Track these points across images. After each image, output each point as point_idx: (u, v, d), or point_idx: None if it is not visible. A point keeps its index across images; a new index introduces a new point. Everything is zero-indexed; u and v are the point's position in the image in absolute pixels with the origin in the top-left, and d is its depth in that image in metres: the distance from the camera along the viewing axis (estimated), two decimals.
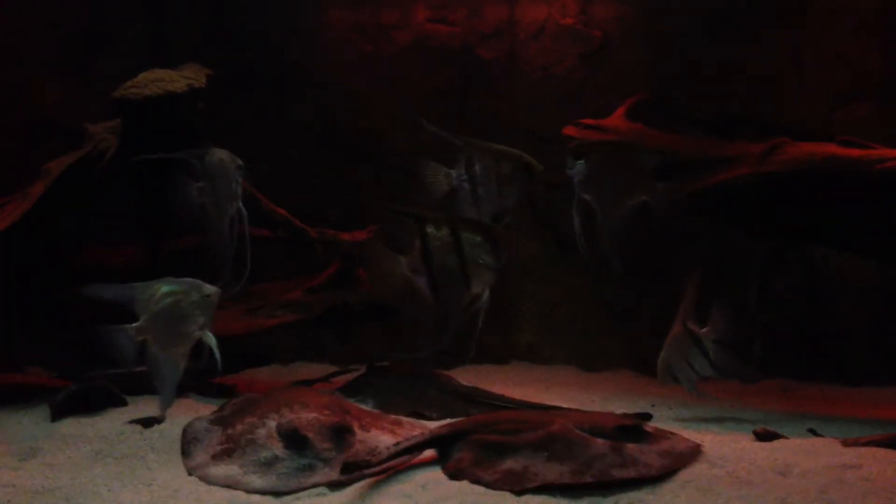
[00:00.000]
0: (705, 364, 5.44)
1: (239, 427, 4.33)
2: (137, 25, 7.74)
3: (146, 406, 5.23)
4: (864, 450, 4.48)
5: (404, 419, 4.85)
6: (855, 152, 5.61)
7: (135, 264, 6.03)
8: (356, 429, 4.32)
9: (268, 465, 4.06)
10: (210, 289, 4.55)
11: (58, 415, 5.08)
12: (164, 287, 4.46)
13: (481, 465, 4.07)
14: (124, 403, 5.28)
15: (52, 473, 4.24)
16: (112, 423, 4.97)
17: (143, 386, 5.48)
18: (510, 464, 4.05)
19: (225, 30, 7.77)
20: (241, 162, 5.15)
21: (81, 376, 5.42)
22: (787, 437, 4.81)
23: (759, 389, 6.60)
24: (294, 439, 4.10)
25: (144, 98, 5.56)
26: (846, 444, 4.62)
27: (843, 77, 7.26)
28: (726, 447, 4.65)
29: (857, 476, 4.11)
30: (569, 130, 6.31)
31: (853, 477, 4.09)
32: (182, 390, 5.58)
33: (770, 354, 6.34)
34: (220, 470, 4.12)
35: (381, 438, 4.33)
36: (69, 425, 4.95)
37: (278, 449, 4.10)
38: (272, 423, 4.24)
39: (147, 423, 4.94)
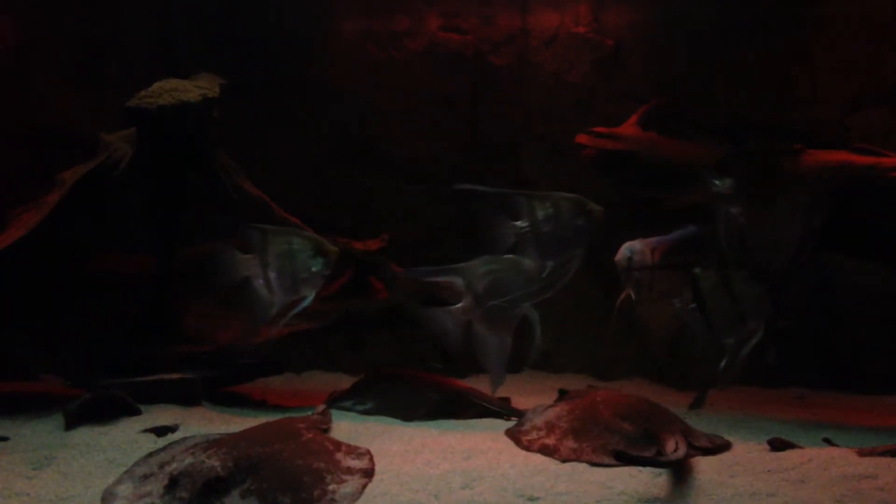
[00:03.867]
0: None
1: (180, 456, 4.24)
2: (148, 34, 7.77)
3: (160, 415, 5.25)
4: (880, 459, 4.46)
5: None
6: (868, 159, 5.59)
7: (149, 272, 6.05)
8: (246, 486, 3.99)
9: (141, 497, 3.98)
10: (528, 262, 4.43)
11: (72, 423, 5.08)
12: (485, 265, 4.39)
13: None
14: (138, 412, 5.28)
15: (65, 482, 4.25)
16: (126, 431, 4.98)
17: (155, 395, 5.53)
18: None
19: (236, 38, 7.79)
20: (594, 216, 4.54)
21: (95, 385, 5.44)
22: (801, 447, 4.79)
23: (773, 398, 6.57)
24: (171, 481, 3.98)
25: (158, 108, 5.59)
26: (862, 453, 4.59)
27: (856, 83, 7.22)
28: (740, 457, 4.65)
29: (873, 486, 4.09)
30: (581, 138, 6.31)
31: (869, 487, 4.08)
32: (195, 399, 5.62)
33: (785, 362, 6.30)
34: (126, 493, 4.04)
35: None
36: (83, 434, 4.95)
37: (160, 484, 4.01)
38: (188, 461, 4.10)
39: (160, 431, 4.95)
